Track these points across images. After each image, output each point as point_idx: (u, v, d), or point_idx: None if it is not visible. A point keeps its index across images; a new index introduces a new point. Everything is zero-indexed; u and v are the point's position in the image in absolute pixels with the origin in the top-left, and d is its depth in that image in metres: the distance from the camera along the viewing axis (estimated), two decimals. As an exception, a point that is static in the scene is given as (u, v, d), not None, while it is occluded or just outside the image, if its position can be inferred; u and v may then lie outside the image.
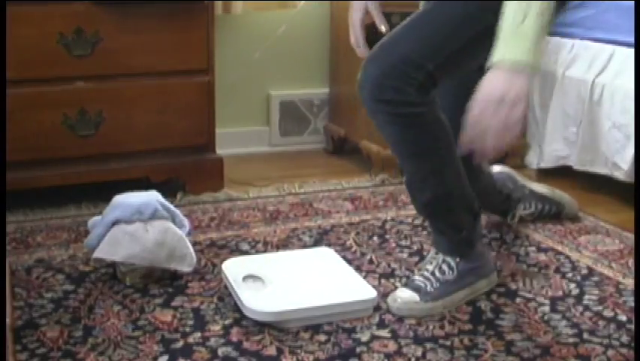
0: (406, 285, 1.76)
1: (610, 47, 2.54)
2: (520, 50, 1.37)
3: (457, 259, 1.75)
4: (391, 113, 1.59)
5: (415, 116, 1.60)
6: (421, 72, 1.56)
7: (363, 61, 1.63)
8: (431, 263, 1.77)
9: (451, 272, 1.74)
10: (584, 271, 1.91)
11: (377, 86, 1.58)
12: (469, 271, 1.75)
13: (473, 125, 1.38)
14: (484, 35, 1.48)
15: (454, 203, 1.73)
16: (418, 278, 1.75)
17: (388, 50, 1.61)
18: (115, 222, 1.78)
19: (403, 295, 1.70)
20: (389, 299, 1.71)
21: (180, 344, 1.53)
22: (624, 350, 1.54)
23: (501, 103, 1.36)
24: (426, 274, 1.75)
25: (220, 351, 1.50)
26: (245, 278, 1.71)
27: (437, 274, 1.74)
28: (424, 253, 1.99)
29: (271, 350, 1.51)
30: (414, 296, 1.69)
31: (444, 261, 1.76)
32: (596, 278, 1.87)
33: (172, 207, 1.86)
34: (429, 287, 1.71)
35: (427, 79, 1.57)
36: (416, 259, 1.97)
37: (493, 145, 1.38)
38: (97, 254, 1.76)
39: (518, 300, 1.75)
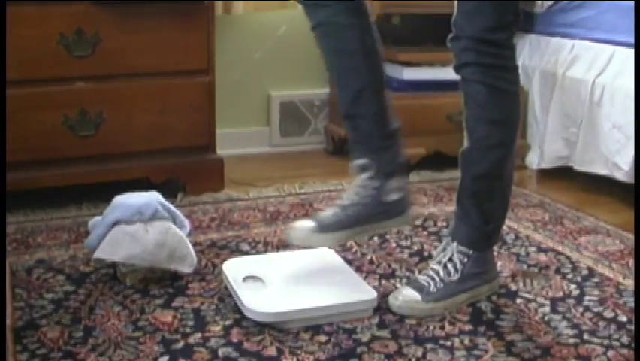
0: (408, 283, 1.76)
1: (610, 48, 2.54)
2: None
3: (470, 252, 1.73)
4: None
5: None
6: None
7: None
8: (443, 253, 1.76)
9: (456, 273, 1.73)
10: (585, 272, 1.91)
11: None
12: (474, 276, 1.74)
13: None
14: None
15: (499, 188, 1.74)
16: (421, 277, 1.75)
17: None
18: (115, 223, 1.78)
19: (405, 294, 1.70)
20: (390, 297, 1.71)
21: (181, 344, 1.53)
22: (625, 351, 1.54)
23: None
24: (431, 273, 1.74)
25: (220, 352, 1.50)
26: (245, 279, 1.71)
27: (442, 273, 1.73)
28: (425, 254, 1.99)
29: (271, 351, 1.51)
30: (416, 296, 1.69)
31: (458, 252, 1.74)
32: (596, 279, 1.87)
33: (172, 207, 1.86)
34: (432, 287, 1.71)
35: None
36: (416, 259, 1.97)
37: None
38: (97, 255, 1.76)
39: (519, 300, 1.75)
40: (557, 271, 1.92)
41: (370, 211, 1.74)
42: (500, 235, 1.90)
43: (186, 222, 1.89)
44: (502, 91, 1.68)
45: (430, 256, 1.98)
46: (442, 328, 1.62)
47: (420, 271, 1.89)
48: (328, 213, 1.75)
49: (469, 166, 1.73)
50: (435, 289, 1.70)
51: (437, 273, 1.73)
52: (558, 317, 1.68)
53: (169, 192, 2.36)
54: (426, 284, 1.71)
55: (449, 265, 1.74)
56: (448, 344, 1.55)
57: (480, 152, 1.70)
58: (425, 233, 2.14)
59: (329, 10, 1.68)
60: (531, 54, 2.91)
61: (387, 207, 1.77)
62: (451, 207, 2.35)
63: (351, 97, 1.73)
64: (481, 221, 1.73)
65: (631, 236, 2.15)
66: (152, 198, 1.82)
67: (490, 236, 1.78)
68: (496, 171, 1.71)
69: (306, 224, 1.73)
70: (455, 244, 1.75)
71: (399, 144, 1.80)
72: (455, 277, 1.73)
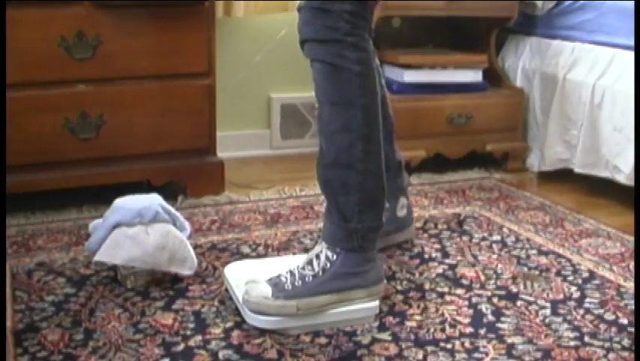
0: (269, 278, 1.62)
1: (611, 50, 2.54)
2: None
3: (338, 251, 1.60)
4: None
5: None
6: None
7: None
8: (313, 250, 1.64)
9: (320, 272, 1.60)
10: (585, 275, 1.91)
11: None
12: (343, 276, 1.59)
13: None
14: None
15: (354, 180, 1.59)
16: (283, 273, 1.62)
17: None
18: (116, 226, 1.78)
19: (258, 289, 1.58)
20: (244, 291, 1.59)
21: (181, 347, 1.53)
22: (625, 354, 1.54)
23: None
24: (293, 269, 1.61)
25: (221, 354, 1.50)
26: (247, 283, 1.71)
27: (303, 271, 1.60)
28: (425, 256, 1.99)
29: (272, 353, 1.51)
30: (266, 292, 1.57)
31: (325, 250, 1.61)
32: (597, 281, 1.87)
33: (173, 210, 1.86)
34: (287, 284, 1.58)
35: None
36: (417, 261, 1.97)
37: None
38: (98, 257, 1.76)
39: (519, 303, 1.75)
40: (558, 273, 1.92)
41: (385, 227, 1.72)
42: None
43: (187, 225, 1.89)
44: (341, 69, 1.57)
45: (431, 258, 1.98)
46: (443, 330, 1.62)
47: (421, 274, 1.89)
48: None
49: (320, 155, 1.62)
50: (290, 286, 1.58)
51: (298, 269, 1.61)
52: (559, 319, 1.68)
53: (169, 195, 2.37)
54: (283, 280, 1.59)
55: (314, 262, 1.61)
56: (449, 346, 1.55)
57: (326, 138, 1.60)
58: (426, 235, 2.14)
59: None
60: (532, 57, 2.91)
61: (399, 223, 1.92)
62: (452, 210, 2.36)
63: None
64: (340, 217, 1.60)
65: (632, 239, 2.15)
66: (153, 200, 1.83)
67: (357, 236, 1.60)
68: (343, 160, 1.58)
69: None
70: (323, 242, 1.63)
71: (403, 171, 1.96)
72: (317, 275, 1.59)
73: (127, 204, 1.80)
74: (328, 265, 1.61)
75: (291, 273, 1.61)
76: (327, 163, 1.60)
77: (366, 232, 1.62)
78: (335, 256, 1.61)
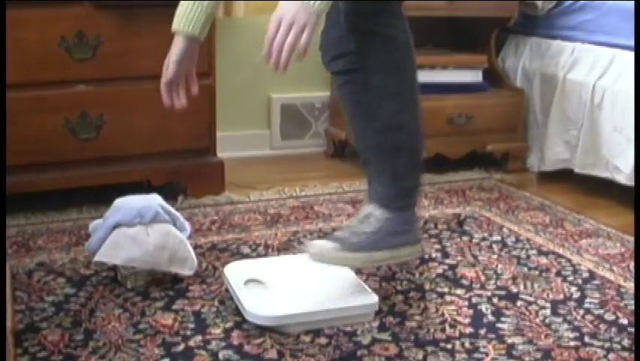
0: (331, 236, 1.69)
1: (611, 51, 2.54)
2: None
3: (387, 212, 1.67)
4: None
5: None
6: None
7: None
8: (361, 212, 1.70)
9: (376, 229, 1.66)
10: (585, 275, 1.91)
11: None
12: (395, 234, 1.67)
13: (270, 40, 1.50)
14: None
15: (406, 140, 1.67)
16: (338, 232, 1.69)
17: None
18: (116, 226, 1.78)
19: (318, 243, 1.65)
20: (307, 246, 1.66)
21: (181, 347, 1.53)
22: (625, 354, 1.54)
23: (292, 25, 1.47)
24: (351, 226, 1.68)
25: (221, 354, 1.50)
26: (247, 282, 1.71)
27: (361, 227, 1.66)
28: (425, 256, 1.99)
29: (272, 354, 1.51)
30: (330, 245, 1.63)
31: (376, 211, 1.68)
32: (597, 282, 1.87)
33: (173, 210, 1.86)
34: (350, 239, 1.65)
35: None
36: (417, 261, 1.96)
37: (285, 58, 1.49)
38: (98, 258, 1.76)
39: (519, 303, 1.75)
40: (558, 273, 1.92)
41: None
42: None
43: (187, 225, 1.90)
44: (392, 38, 1.64)
45: (431, 259, 1.98)
46: (443, 330, 1.62)
47: (421, 274, 1.89)
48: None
49: (365, 124, 1.68)
50: (355, 240, 1.64)
51: (355, 228, 1.67)
52: (559, 319, 1.68)
53: (170, 195, 2.36)
54: (345, 235, 1.66)
55: (368, 221, 1.67)
56: (449, 346, 1.55)
57: (377, 104, 1.65)
58: (426, 235, 2.14)
59: None
60: (532, 57, 2.91)
61: None
62: (452, 210, 2.36)
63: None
64: (392, 178, 1.67)
65: (632, 239, 2.15)
66: (153, 200, 1.83)
67: (407, 194, 1.70)
68: (396, 123, 1.66)
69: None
70: (372, 205, 1.69)
71: None
72: (375, 232, 1.66)
73: (127, 204, 1.80)
74: (382, 223, 1.67)
75: (350, 231, 1.67)
76: (378, 128, 1.67)
77: (414, 189, 1.72)
78: (388, 214, 1.67)
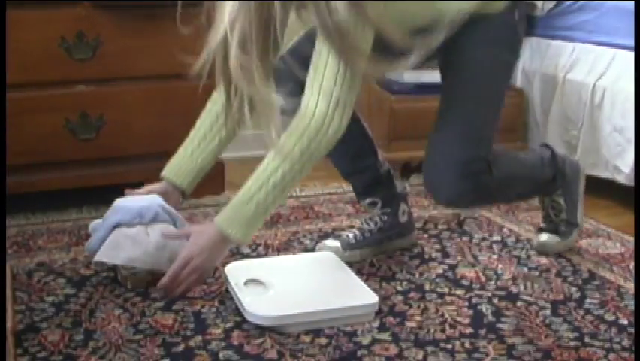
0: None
1: (611, 51, 2.54)
2: (241, 229, 1.59)
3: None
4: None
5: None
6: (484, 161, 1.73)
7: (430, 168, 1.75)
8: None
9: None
10: (585, 275, 1.91)
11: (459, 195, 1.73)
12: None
13: (173, 275, 1.62)
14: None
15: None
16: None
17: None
18: (116, 226, 1.77)
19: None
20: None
21: (181, 347, 1.53)
22: (625, 354, 1.54)
23: (196, 271, 1.62)
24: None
25: (221, 355, 1.50)
26: (247, 282, 1.71)
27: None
28: (425, 257, 1.99)
29: (272, 354, 1.51)
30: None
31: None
32: (597, 282, 1.87)
33: (173, 210, 1.86)
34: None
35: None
36: (417, 262, 1.97)
37: (179, 293, 1.65)
38: (98, 258, 1.76)
39: (519, 303, 1.75)
40: (558, 274, 1.92)
41: (387, 233, 2.00)
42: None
43: (187, 225, 1.89)
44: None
45: (431, 259, 1.98)
46: (443, 331, 1.62)
47: (421, 274, 1.89)
48: (350, 235, 1.98)
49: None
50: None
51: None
52: (559, 319, 1.68)
53: (170, 195, 2.36)
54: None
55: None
56: (449, 347, 1.55)
57: None
58: (426, 236, 2.14)
59: None
60: (531, 57, 2.91)
61: (401, 228, 2.01)
62: (452, 210, 2.36)
63: (349, 161, 1.96)
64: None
65: (632, 239, 2.15)
66: (153, 201, 1.82)
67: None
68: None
69: (331, 244, 1.96)
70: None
71: (393, 179, 2.01)
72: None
73: (127, 204, 1.80)
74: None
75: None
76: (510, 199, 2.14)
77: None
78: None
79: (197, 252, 1.62)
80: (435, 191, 1.74)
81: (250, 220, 1.60)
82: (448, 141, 1.71)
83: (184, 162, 1.82)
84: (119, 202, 1.82)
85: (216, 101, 1.82)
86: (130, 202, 1.81)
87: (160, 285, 1.63)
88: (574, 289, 1.83)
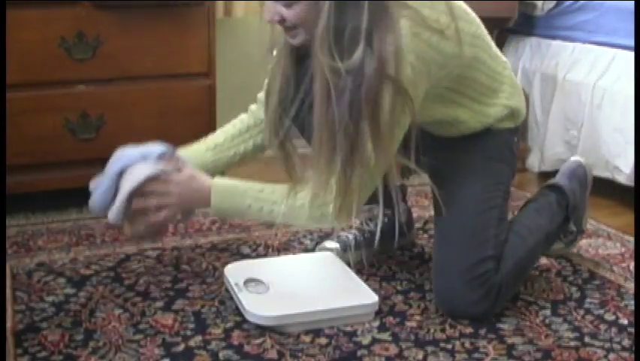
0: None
1: (611, 51, 2.54)
2: (223, 206, 1.63)
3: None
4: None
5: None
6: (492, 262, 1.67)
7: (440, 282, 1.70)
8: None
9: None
10: (585, 275, 1.91)
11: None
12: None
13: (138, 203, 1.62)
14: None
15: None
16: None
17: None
18: (120, 173, 1.66)
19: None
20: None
21: (181, 347, 1.53)
22: (625, 354, 1.54)
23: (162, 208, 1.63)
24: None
25: (221, 354, 1.50)
26: (247, 282, 1.71)
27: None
28: (425, 257, 1.99)
29: (272, 354, 1.51)
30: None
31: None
32: (597, 282, 1.87)
33: (177, 154, 1.76)
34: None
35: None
36: (417, 261, 1.97)
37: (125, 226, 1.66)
38: (112, 216, 1.64)
39: (519, 303, 1.74)
40: (558, 273, 1.92)
41: (387, 233, 1.87)
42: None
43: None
44: None
45: (431, 259, 1.98)
46: (443, 331, 1.62)
47: (421, 274, 1.89)
48: (349, 235, 1.97)
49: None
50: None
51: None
52: (559, 319, 1.68)
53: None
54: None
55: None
56: (449, 346, 1.55)
57: None
58: (426, 236, 2.14)
59: None
60: (531, 57, 2.91)
61: (401, 228, 1.92)
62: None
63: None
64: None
65: (632, 239, 2.15)
66: (155, 146, 1.74)
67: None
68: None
69: (331, 245, 1.95)
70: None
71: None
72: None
73: (127, 152, 1.70)
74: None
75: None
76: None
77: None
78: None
79: (180, 192, 1.64)
80: (445, 302, 1.68)
81: (233, 210, 1.64)
82: (452, 250, 1.67)
83: (196, 155, 1.82)
84: (117, 153, 1.72)
85: (251, 116, 1.87)
86: (130, 150, 1.71)
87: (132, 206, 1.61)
88: (574, 289, 1.83)
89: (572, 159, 2.12)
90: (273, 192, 1.63)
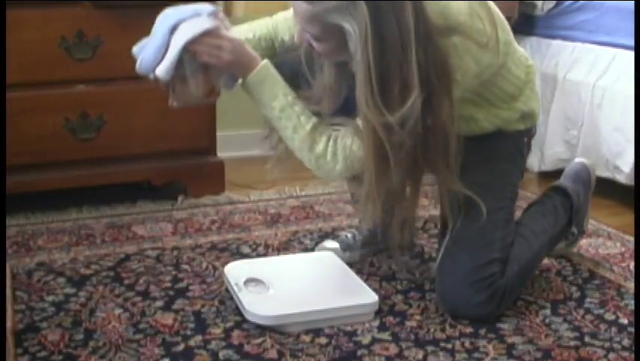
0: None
1: (611, 50, 2.54)
2: (257, 84, 1.55)
3: None
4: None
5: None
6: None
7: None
8: None
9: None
10: (586, 275, 1.91)
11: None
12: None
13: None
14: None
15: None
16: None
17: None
18: (173, 29, 1.52)
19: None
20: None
21: (181, 347, 1.53)
22: (625, 354, 1.53)
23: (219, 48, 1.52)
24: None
25: (221, 354, 1.50)
26: (246, 282, 1.71)
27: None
28: (425, 256, 1.99)
29: (272, 353, 1.51)
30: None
31: None
32: (597, 281, 1.87)
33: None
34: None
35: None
36: (417, 261, 1.97)
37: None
38: (162, 71, 1.55)
39: (519, 303, 1.74)
40: (558, 273, 1.92)
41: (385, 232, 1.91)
42: None
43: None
44: None
45: (431, 258, 1.98)
46: (443, 330, 1.62)
47: (421, 274, 1.89)
48: (349, 235, 1.98)
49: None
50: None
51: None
52: (559, 319, 1.68)
53: (170, 195, 2.37)
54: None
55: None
56: (449, 346, 1.55)
57: None
58: (426, 235, 2.14)
59: None
60: (532, 57, 2.89)
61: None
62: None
63: None
64: None
65: (632, 239, 2.15)
66: (202, 4, 1.60)
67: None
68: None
69: (330, 245, 1.95)
70: None
71: None
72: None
73: (178, 8, 1.56)
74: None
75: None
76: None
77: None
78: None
79: (233, 49, 1.54)
80: (447, 302, 1.67)
81: (264, 96, 1.56)
82: (458, 250, 1.66)
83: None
84: (166, 11, 1.58)
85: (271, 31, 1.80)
86: (177, 7, 1.57)
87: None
88: (574, 288, 1.83)
89: (576, 160, 2.12)
90: (304, 115, 1.56)
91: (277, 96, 1.55)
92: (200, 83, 1.57)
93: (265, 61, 1.56)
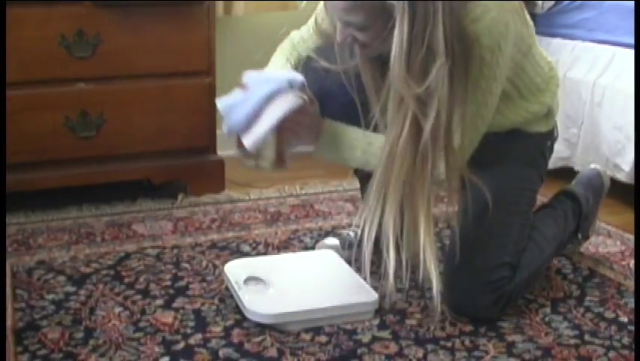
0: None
1: (611, 49, 2.54)
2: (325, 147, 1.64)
3: None
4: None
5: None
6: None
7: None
8: None
9: None
10: (585, 273, 1.91)
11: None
12: None
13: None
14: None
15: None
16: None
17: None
18: (269, 98, 1.52)
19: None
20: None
21: (181, 345, 1.53)
22: (625, 352, 1.54)
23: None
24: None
25: (221, 352, 1.50)
26: (247, 280, 1.71)
27: None
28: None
29: (272, 352, 1.51)
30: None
31: None
32: (597, 280, 1.87)
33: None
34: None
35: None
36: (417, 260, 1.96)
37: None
38: (251, 141, 1.52)
39: (519, 302, 1.74)
40: (558, 272, 1.92)
41: None
42: None
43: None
44: None
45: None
46: (443, 329, 1.62)
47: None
48: (350, 233, 1.97)
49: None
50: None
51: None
52: (559, 317, 1.68)
53: (170, 194, 2.37)
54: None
55: None
56: (449, 345, 1.55)
57: None
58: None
59: None
60: (532, 55, 2.91)
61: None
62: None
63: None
64: None
65: (632, 237, 2.15)
66: (290, 71, 1.67)
67: None
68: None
69: (331, 242, 1.96)
70: None
71: None
72: None
73: (275, 75, 1.60)
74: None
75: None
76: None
77: None
78: None
79: (309, 124, 1.60)
80: (451, 300, 1.66)
81: (339, 151, 1.63)
82: (469, 251, 1.64)
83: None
84: (256, 76, 1.59)
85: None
86: (272, 73, 1.62)
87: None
88: (574, 287, 1.83)
89: (592, 166, 2.09)
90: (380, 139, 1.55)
91: (354, 147, 1.60)
92: (271, 154, 1.61)
93: (325, 122, 1.60)
